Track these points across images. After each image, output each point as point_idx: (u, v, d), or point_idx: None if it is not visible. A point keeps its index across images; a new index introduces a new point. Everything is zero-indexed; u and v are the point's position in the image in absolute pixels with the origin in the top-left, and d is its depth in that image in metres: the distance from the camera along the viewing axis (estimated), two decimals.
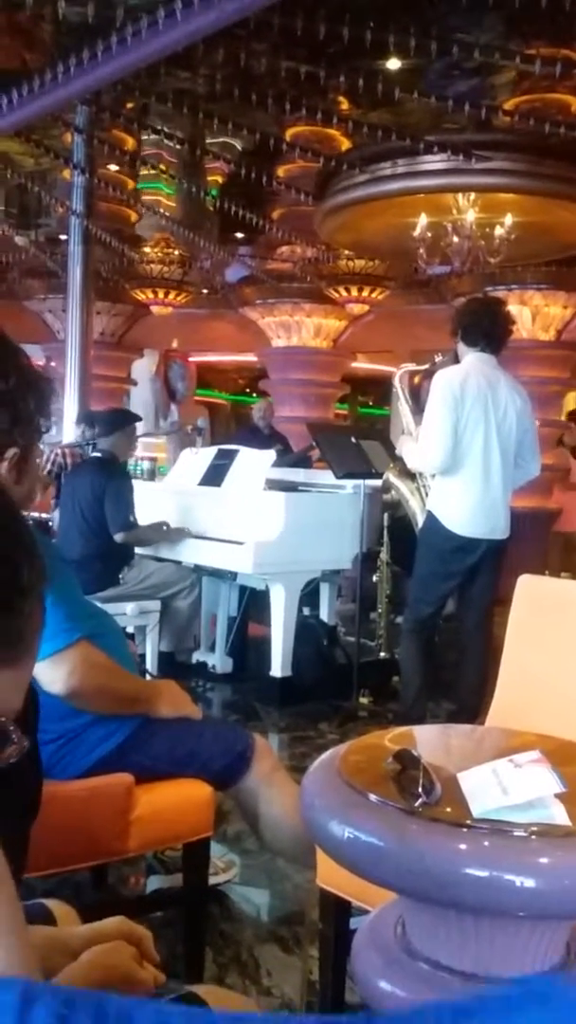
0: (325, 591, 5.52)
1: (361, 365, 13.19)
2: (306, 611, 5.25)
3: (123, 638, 2.38)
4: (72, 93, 5.41)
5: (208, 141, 7.16)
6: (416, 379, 5.27)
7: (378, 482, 4.92)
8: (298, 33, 4.69)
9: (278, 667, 4.79)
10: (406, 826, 1.26)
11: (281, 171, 7.58)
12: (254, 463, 5.13)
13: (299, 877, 2.76)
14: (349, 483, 5.03)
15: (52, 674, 1.94)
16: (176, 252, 10.32)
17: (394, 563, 5.25)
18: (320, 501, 5.12)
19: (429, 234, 6.84)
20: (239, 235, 9.67)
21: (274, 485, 5.15)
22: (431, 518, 4.04)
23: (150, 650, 4.88)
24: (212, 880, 2.53)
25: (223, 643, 5.34)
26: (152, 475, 7.77)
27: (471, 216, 6.83)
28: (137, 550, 4.96)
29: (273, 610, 4.81)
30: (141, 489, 5.01)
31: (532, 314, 9.43)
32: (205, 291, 11.60)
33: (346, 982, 2.00)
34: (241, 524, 4.84)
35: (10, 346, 1.55)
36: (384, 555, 5.24)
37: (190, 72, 5.79)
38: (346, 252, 9.50)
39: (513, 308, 5.26)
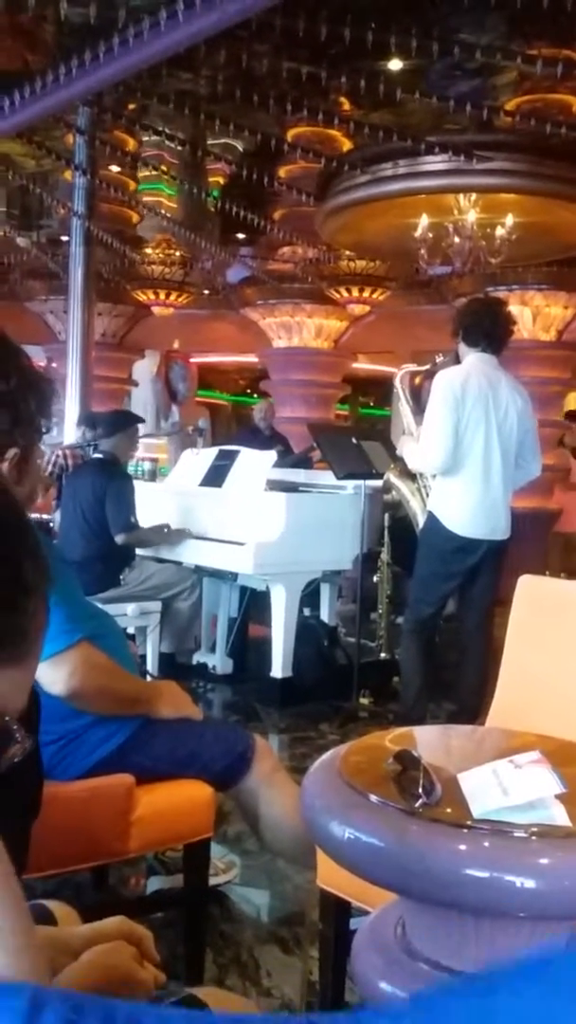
0: (326, 592, 5.52)
1: (362, 366, 13.19)
2: (307, 612, 5.25)
3: (124, 639, 2.39)
4: (74, 94, 5.42)
5: (209, 142, 7.17)
6: (417, 380, 5.28)
7: (379, 483, 4.92)
8: (300, 34, 4.69)
9: (279, 668, 4.79)
10: (406, 827, 1.26)
11: (282, 172, 7.58)
12: (255, 464, 5.13)
13: (299, 878, 2.76)
14: (350, 484, 5.03)
15: (53, 675, 1.94)
16: (177, 253, 10.32)
17: (395, 563, 5.25)
18: (321, 502, 5.12)
19: (430, 234, 6.84)
20: (240, 236, 9.67)
21: (275, 486, 5.15)
22: (432, 518, 4.04)
23: (151, 651, 4.88)
24: (212, 881, 2.53)
25: (224, 644, 5.35)
26: (153, 476, 7.77)
27: (472, 216, 6.83)
28: (138, 551, 4.96)
29: (274, 611, 4.81)
30: (142, 490, 5.01)
31: (533, 314, 9.43)
32: (206, 292, 11.60)
33: (346, 983, 2.00)
34: (242, 525, 4.84)
35: (11, 347, 1.55)
36: (385, 555, 5.24)
37: (192, 73, 5.79)
38: (347, 253, 9.50)
39: (514, 308, 5.26)
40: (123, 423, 5.06)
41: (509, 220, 6.84)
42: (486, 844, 1.22)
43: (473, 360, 3.98)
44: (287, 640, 4.79)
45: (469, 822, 1.25)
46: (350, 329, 11.46)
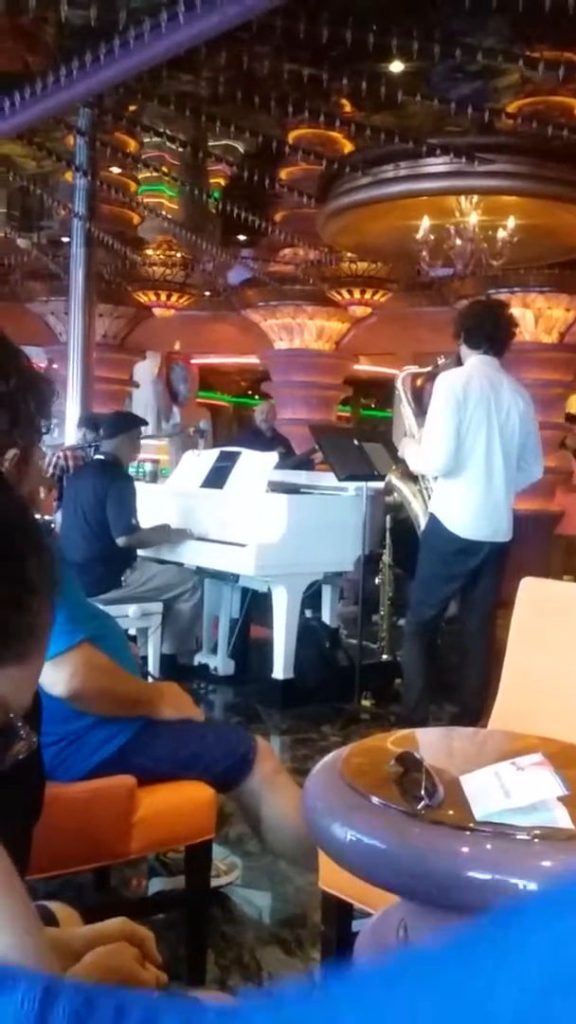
0: (327, 593, 5.51)
1: (363, 367, 13.19)
2: (308, 613, 5.24)
3: (125, 640, 2.38)
4: (74, 96, 5.43)
5: (210, 143, 7.18)
6: (419, 381, 5.27)
7: (380, 484, 4.91)
8: (301, 36, 4.70)
9: (280, 669, 4.79)
10: (408, 829, 1.26)
11: (283, 173, 7.59)
12: (256, 465, 5.13)
13: (301, 879, 2.76)
14: (351, 485, 5.03)
15: (54, 676, 1.94)
16: (178, 254, 10.33)
17: (396, 565, 5.24)
18: (322, 503, 5.12)
19: (432, 236, 6.84)
20: (241, 237, 9.68)
21: (276, 487, 5.14)
22: (433, 520, 4.03)
23: (152, 652, 4.88)
24: (214, 882, 2.53)
25: (225, 645, 5.34)
26: (154, 477, 7.77)
27: (474, 219, 6.83)
28: (139, 552, 4.96)
29: (275, 612, 4.81)
30: (143, 491, 5.01)
31: (535, 317, 9.43)
32: (207, 293, 11.61)
33: None
34: (243, 526, 4.84)
35: (10, 347, 1.55)
36: (386, 557, 5.23)
37: (192, 75, 5.80)
38: (348, 254, 9.50)
39: (516, 311, 5.25)
40: (125, 425, 5.05)
41: (511, 222, 6.84)
42: (488, 846, 1.22)
43: (475, 362, 3.98)
44: (288, 641, 4.78)
45: (471, 824, 1.25)
46: (351, 331, 11.46)
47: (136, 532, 4.73)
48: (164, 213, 8.73)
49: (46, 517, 5.64)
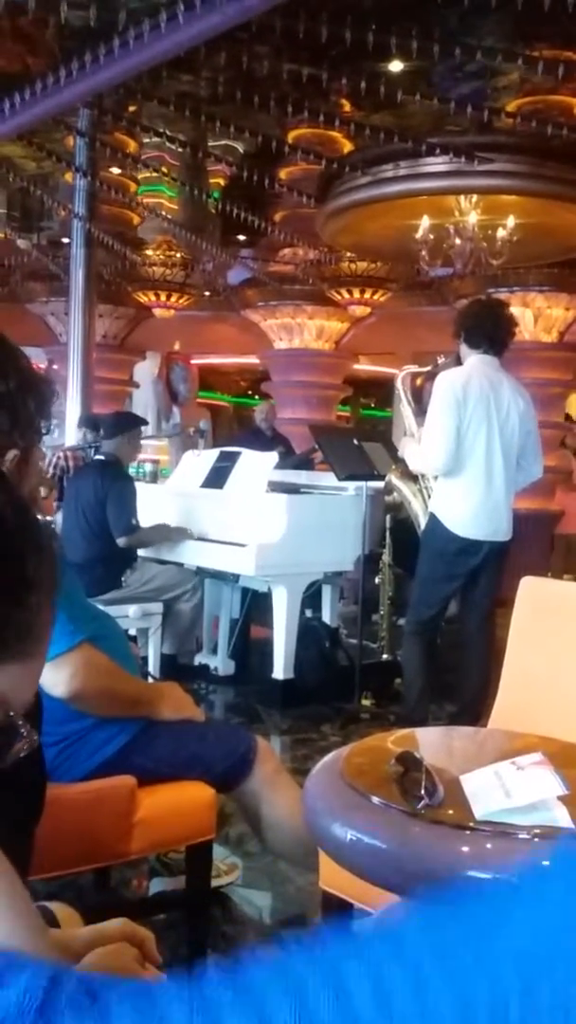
0: (327, 593, 5.51)
1: (363, 367, 13.19)
2: (308, 613, 5.24)
3: (125, 641, 2.38)
4: (74, 96, 5.43)
5: (210, 144, 7.18)
6: (418, 381, 5.27)
7: (380, 484, 4.91)
8: (300, 36, 4.70)
9: (280, 669, 4.79)
10: (408, 828, 1.26)
11: (283, 173, 7.59)
12: (256, 465, 5.13)
13: (301, 879, 2.76)
14: (351, 485, 5.03)
15: (54, 677, 1.94)
16: (178, 255, 10.33)
17: (396, 565, 5.24)
18: (322, 503, 5.12)
19: (431, 236, 6.84)
20: (241, 237, 9.69)
21: (276, 487, 5.14)
22: (433, 520, 4.03)
23: (152, 652, 4.88)
24: (215, 882, 2.53)
25: (225, 645, 5.34)
26: (154, 477, 7.77)
27: (473, 218, 6.83)
28: (140, 552, 4.96)
29: (275, 612, 4.81)
30: (143, 491, 5.00)
31: (534, 316, 9.43)
32: (207, 293, 11.61)
33: None
34: (243, 526, 4.84)
35: (10, 348, 1.55)
36: (386, 557, 5.24)
37: (192, 75, 5.80)
38: (348, 254, 9.50)
39: (515, 310, 5.25)
40: (126, 425, 5.05)
41: (510, 222, 6.84)
42: (488, 846, 1.22)
43: (475, 362, 3.98)
44: (289, 641, 4.78)
45: (471, 824, 1.25)
46: (351, 330, 11.47)
47: (136, 532, 4.73)
48: (164, 213, 8.74)
49: (47, 518, 5.65)
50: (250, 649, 5.47)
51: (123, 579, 4.77)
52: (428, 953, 0.45)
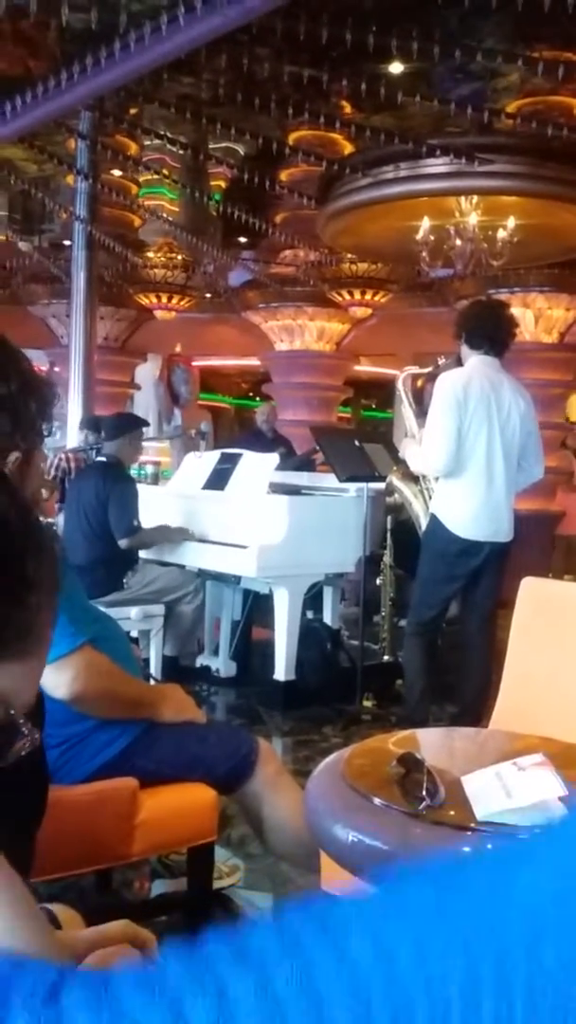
0: (328, 595, 5.51)
1: (364, 368, 13.19)
2: (310, 615, 5.24)
3: (127, 642, 2.38)
4: (76, 99, 5.44)
5: (211, 146, 7.18)
6: (419, 382, 5.27)
7: (381, 485, 4.91)
8: (301, 37, 4.70)
9: (282, 671, 4.79)
10: (410, 829, 1.26)
11: (284, 175, 7.60)
12: (257, 467, 5.13)
13: (303, 881, 2.76)
14: (352, 486, 5.03)
15: (56, 679, 1.94)
16: (179, 257, 10.34)
17: (397, 566, 5.24)
18: (323, 504, 5.12)
19: (432, 237, 6.85)
20: (242, 239, 9.69)
21: (277, 488, 5.15)
22: (434, 521, 4.03)
23: (154, 654, 4.88)
24: (216, 884, 2.53)
25: (227, 647, 5.34)
26: (156, 479, 7.78)
27: (473, 219, 6.84)
28: (141, 554, 4.96)
29: (277, 614, 4.81)
30: (145, 493, 5.01)
31: (535, 317, 9.43)
32: (208, 295, 11.62)
33: None
34: (245, 528, 4.84)
35: (11, 350, 1.56)
36: (387, 558, 5.24)
37: (193, 77, 5.81)
38: (349, 255, 9.51)
39: (516, 311, 5.25)
40: (127, 426, 5.05)
41: (510, 222, 6.84)
42: (490, 847, 1.22)
43: (475, 363, 3.98)
44: (290, 643, 4.78)
45: (473, 824, 1.25)
46: (352, 332, 11.47)
47: (138, 533, 4.73)
48: (165, 215, 8.74)
49: (48, 519, 5.65)
50: (251, 651, 5.47)
51: (124, 581, 4.78)
52: (432, 915, 0.45)
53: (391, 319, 11.24)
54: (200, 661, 5.38)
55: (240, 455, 5.31)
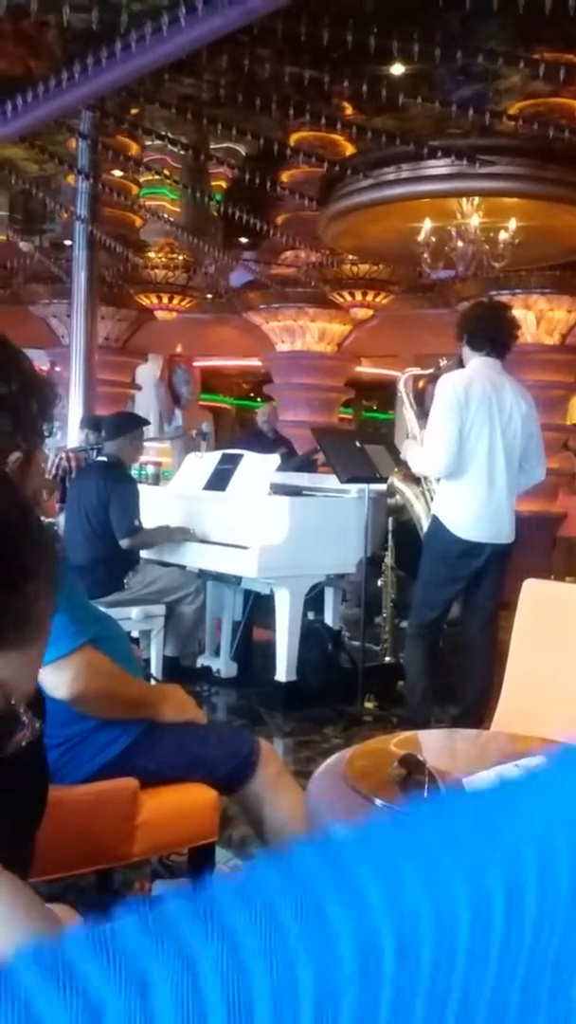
0: (330, 595, 5.51)
1: (365, 369, 13.19)
2: (311, 616, 5.24)
3: (128, 643, 2.38)
4: (77, 99, 5.44)
5: (212, 146, 7.19)
6: (421, 383, 5.27)
7: (383, 486, 4.91)
8: (302, 38, 4.70)
9: (283, 671, 4.78)
10: None
11: (285, 176, 7.60)
12: (258, 467, 5.13)
13: None
14: (354, 487, 5.03)
15: (56, 679, 1.93)
16: (180, 257, 10.34)
17: (399, 567, 5.24)
18: (325, 505, 5.12)
19: (433, 239, 6.85)
20: (243, 240, 9.70)
21: (279, 489, 5.14)
22: (436, 522, 4.03)
23: (155, 655, 4.88)
24: None
25: (228, 647, 5.34)
26: (156, 480, 7.78)
27: (475, 220, 6.84)
28: (142, 555, 4.96)
29: (278, 614, 4.81)
30: (146, 494, 5.01)
31: (536, 318, 9.43)
32: (209, 296, 11.62)
33: None
34: (246, 528, 4.84)
35: (12, 350, 1.56)
36: (389, 559, 5.23)
37: (194, 78, 5.81)
38: (350, 256, 9.51)
39: (518, 312, 5.25)
40: (127, 426, 5.05)
41: (512, 224, 6.84)
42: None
43: (477, 364, 3.98)
44: (291, 644, 4.78)
45: None
46: (353, 333, 11.47)
47: (139, 533, 4.73)
48: (166, 216, 8.74)
49: (49, 519, 5.65)
50: (252, 651, 5.47)
51: (125, 581, 4.77)
52: (439, 842, 0.45)
53: (392, 320, 11.24)
54: (201, 662, 5.38)
55: (241, 456, 5.31)
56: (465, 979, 0.44)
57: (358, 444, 5.33)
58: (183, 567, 5.12)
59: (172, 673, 4.90)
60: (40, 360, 10.89)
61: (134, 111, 6.60)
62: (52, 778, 1.59)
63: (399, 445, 4.85)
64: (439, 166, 6.37)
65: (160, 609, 4.84)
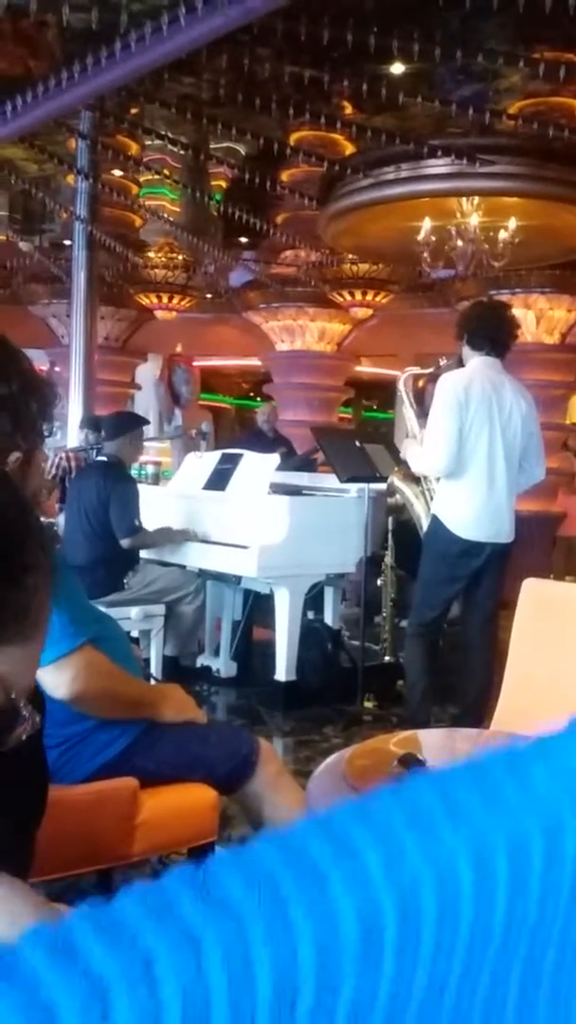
0: (329, 595, 5.51)
1: (365, 369, 13.19)
2: (310, 615, 5.24)
3: (127, 643, 2.38)
4: (76, 99, 5.44)
5: (212, 146, 7.18)
6: (420, 383, 5.27)
7: (382, 486, 4.91)
8: (302, 38, 4.70)
9: (283, 671, 4.78)
10: None
11: (285, 176, 7.59)
12: (258, 467, 5.13)
13: None
14: (353, 487, 5.03)
15: (56, 679, 1.93)
16: (180, 257, 10.34)
17: (398, 567, 5.24)
18: (324, 505, 5.12)
19: (433, 238, 6.85)
20: (243, 239, 9.69)
21: (278, 489, 5.14)
22: (436, 522, 4.03)
23: (155, 654, 4.88)
24: None
25: (228, 647, 5.34)
26: (156, 479, 7.78)
27: (475, 220, 6.84)
28: (142, 554, 4.96)
29: (278, 614, 4.81)
30: (145, 493, 5.00)
31: (536, 317, 9.43)
32: (209, 296, 11.62)
33: None
34: (245, 528, 4.84)
35: (11, 350, 1.56)
36: (388, 559, 5.23)
37: (194, 77, 5.80)
38: (350, 256, 9.51)
39: (517, 312, 5.25)
40: (127, 426, 5.05)
41: (512, 223, 6.84)
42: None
43: (477, 364, 3.98)
44: (291, 643, 4.78)
45: None
46: (353, 332, 11.47)
47: (139, 533, 4.73)
48: (166, 216, 8.74)
49: (49, 519, 5.65)
50: (252, 651, 5.47)
51: (125, 581, 4.77)
52: (442, 813, 0.44)
53: (392, 320, 11.24)
54: (201, 661, 5.38)
55: (241, 455, 5.31)
56: (467, 953, 0.43)
57: (358, 443, 5.33)
58: (183, 567, 5.12)
59: (172, 673, 4.90)
60: (40, 360, 10.88)
61: (134, 111, 6.60)
62: (52, 778, 1.59)
63: (399, 444, 4.85)
64: (439, 165, 6.37)
65: (160, 609, 4.84)
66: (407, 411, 4.68)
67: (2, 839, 1.11)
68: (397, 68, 5.46)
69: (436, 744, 1.73)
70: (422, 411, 4.40)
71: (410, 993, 0.42)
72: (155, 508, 5.18)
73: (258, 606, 5.35)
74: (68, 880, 2.28)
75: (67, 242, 8.59)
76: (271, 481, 5.10)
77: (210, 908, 0.39)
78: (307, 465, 6.71)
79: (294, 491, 5.22)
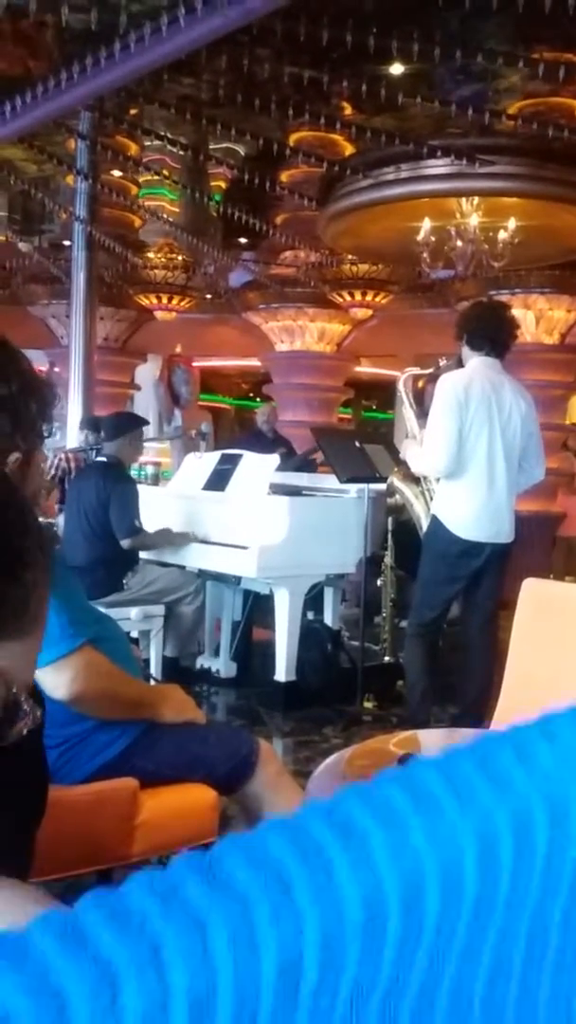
0: (329, 595, 5.51)
1: (365, 369, 13.19)
2: (310, 615, 5.24)
3: (127, 643, 2.38)
4: (76, 99, 5.44)
5: (211, 146, 7.18)
6: (420, 383, 5.27)
7: (382, 486, 4.91)
8: (301, 39, 4.70)
9: (282, 671, 4.78)
10: None
11: (284, 176, 7.59)
12: (258, 467, 5.13)
13: None
14: (353, 487, 5.03)
15: (55, 680, 1.93)
16: (180, 257, 10.34)
17: (398, 567, 5.24)
18: (324, 505, 5.12)
19: (433, 238, 6.85)
20: (242, 240, 9.69)
21: (278, 489, 5.15)
22: (435, 522, 4.03)
23: (154, 655, 4.88)
24: None
25: (227, 648, 5.34)
26: (156, 480, 7.78)
27: (474, 220, 6.84)
28: (141, 555, 4.96)
29: (277, 614, 4.81)
30: (145, 494, 5.00)
31: (536, 318, 9.43)
32: (209, 296, 11.62)
33: None
34: (245, 528, 4.84)
35: (11, 351, 1.56)
36: (388, 559, 5.24)
37: (193, 78, 5.80)
38: (349, 256, 9.51)
39: (517, 312, 5.26)
40: (127, 426, 5.04)
41: (511, 223, 6.84)
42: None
43: (476, 364, 3.98)
44: (291, 644, 4.78)
45: None
46: (353, 333, 11.47)
47: (139, 534, 4.73)
48: (165, 216, 8.74)
49: (48, 520, 5.65)
50: (252, 651, 5.47)
51: (124, 581, 4.77)
52: (445, 793, 0.44)
53: (392, 320, 11.24)
54: (200, 662, 5.38)
55: (240, 456, 5.31)
56: (469, 934, 0.44)
57: (357, 444, 5.33)
58: (182, 567, 5.12)
59: (171, 673, 4.90)
60: (39, 361, 10.88)
61: (133, 111, 6.60)
62: (52, 778, 1.59)
63: (398, 445, 4.85)
64: (439, 166, 6.37)
65: (159, 609, 4.84)
66: (407, 411, 4.68)
67: (2, 839, 1.11)
68: (396, 68, 5.46)
69: (436, 744, 1.73)
70: (422, 411, 4.40)
71: (412, 973, 0.42)
72: (155, 509, 5.18)
73: (258, 606, 5.35)
74: (68, 880, 2.28)
75: (66, 243, 8.59)
76: (271, 481, 5.10)
77: (216, 891, 0.39)
78: (307, 465, 6.71)
79: (294, 491, 5.22)
